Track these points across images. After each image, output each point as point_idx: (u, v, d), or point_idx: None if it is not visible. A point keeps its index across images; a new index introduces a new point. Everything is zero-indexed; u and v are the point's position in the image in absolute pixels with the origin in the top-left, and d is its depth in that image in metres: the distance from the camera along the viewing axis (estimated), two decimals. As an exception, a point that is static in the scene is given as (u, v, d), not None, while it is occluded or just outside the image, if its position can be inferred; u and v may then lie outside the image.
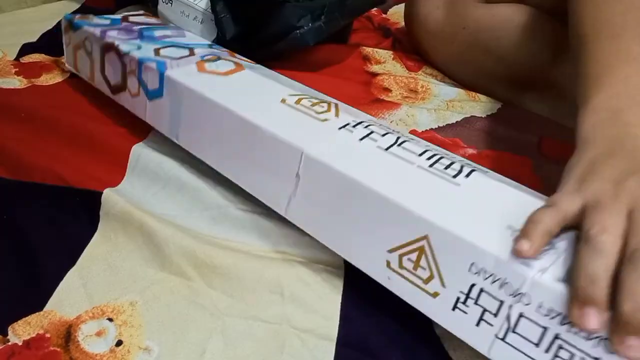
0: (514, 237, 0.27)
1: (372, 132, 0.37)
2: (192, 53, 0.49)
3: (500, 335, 0.28)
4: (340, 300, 0.36)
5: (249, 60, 0.50)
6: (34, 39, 0.67)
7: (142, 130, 0.50)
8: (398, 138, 0.37)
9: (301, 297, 0.36)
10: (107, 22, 0.54)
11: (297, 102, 0.41)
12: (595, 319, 0.24)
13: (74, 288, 0.37)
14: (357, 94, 0.58)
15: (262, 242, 0.40)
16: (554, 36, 0.56)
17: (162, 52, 0.48)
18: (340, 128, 0.38)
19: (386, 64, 0.66)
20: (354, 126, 0.38)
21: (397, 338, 0.34)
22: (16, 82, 0.57)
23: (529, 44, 0.56)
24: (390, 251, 0.32)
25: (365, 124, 0.39)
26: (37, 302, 0.36)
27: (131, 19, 0.57)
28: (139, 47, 0.49)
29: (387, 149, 0.35)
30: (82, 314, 0.35)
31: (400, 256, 0.32)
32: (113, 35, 0.50)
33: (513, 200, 0.31)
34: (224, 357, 0.33)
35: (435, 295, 0.30)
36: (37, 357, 0.32)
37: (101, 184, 0.44)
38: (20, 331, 0.34)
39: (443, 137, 0.52)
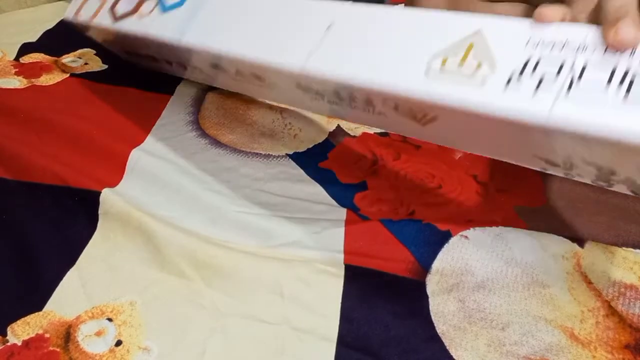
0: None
1: None
2: None
3: (564, 90, 0.25)
4: (340, 300, 0.36)
5: None
6: (34, 39, 0.67)
7: (141, 132, 0.50)
8: None
9: (301, 297, 0.36)
10: None
11: None
12: (631, 28, 0.23)
13: (73, 288, 0.37)
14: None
15: (262, 243, 0.40)
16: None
17: None
18: None
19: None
20: None
21: (397, 338, 0.34)
22: (16, 82, 0.57)
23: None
24: (433, 57, 0.28)
25: None
26: (36, 302, 0.35)
27: None
28: None
29: None
30: (81, 314, 0.35)
31: (444, 59, 0.28)
32: None
33: None
34: (224, 357, 0.33)
35: (483, 82, 0.27)
36: (37, 358, 0.32)
37: (100, 184, 0.43)
38: (20, 331, 0.34)
39: (443, 137, 0.52)
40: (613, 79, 0.24)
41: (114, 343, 0.33)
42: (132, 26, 0.47)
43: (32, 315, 0.35)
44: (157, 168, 0.46)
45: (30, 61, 0.62)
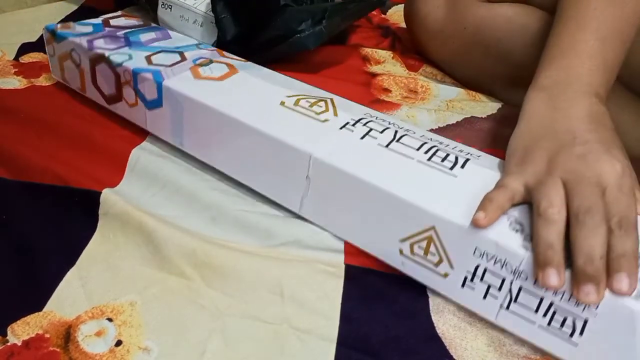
0: (509, 222, 0.32)
1: (371, 130, 0.40)
2: (183, 57, 0.49)
3: (505, 306, 0.33)
4: (340, 300, 0.36)
5: (239, 58, 0.51)
6: (34, 39, 0.67)
7: (141, 132, 0.50)
8: (396, 133, 0.40)
9: (301, 297, 0.36)
10: (90, 29, 0.54)
11: (296, 103, 0.42)
12: (555, 277, 0.29)
13: (73, 288, 0.37)
14: (357, 95, 0.58)
15: (262, 242, 0.40)
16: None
17: (154, 59, 0.48)
18: (341, 128, 0.40)
19: (386, 63, 0.66)
20: (353, 125, 0.40)
21: (397, 338, 0.34)
22: (16, 82, 0.57)
23: (530, 45, 0.56)
24: (402, 241, 0.36)
25: (364, 122, 0.41)
26: (36, 302, 0.35)
27: (112, 22, 0.56)
28: (130, 57, 0.48)
29: (387, 145, 0.38)
30: (81, 314, 0.35)
31: (412, 245, 0.35)
32: (101, 46, 0.50)
33: None
34: (224, 357, 0.33)
35: (445, 275, 0.35)
36: (37, 358, 0.32)
37: (100, 184, 0.43)
38: (20, 331, 0.34)
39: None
40: (540, 308, 0.31)
41: (114, 343, 0.33)
42: (125, 113, 0.50)
43: (32, 315, 0.35)
44: (157, 168, 0.46)
45: (30, 61, 0.62)
